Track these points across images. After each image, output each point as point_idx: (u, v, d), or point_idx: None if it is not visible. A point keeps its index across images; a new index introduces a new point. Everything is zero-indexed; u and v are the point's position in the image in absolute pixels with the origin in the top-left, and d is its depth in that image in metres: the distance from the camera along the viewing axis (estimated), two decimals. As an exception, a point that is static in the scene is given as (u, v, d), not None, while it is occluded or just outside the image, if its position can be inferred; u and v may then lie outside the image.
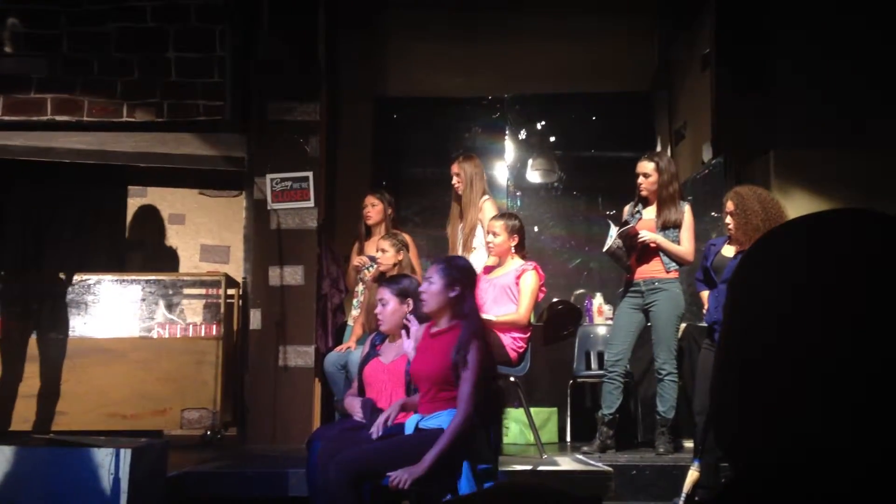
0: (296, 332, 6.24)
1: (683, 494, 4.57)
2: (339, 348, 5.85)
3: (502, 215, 5.50)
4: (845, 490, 0.74)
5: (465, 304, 3.76)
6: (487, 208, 5.77)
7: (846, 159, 6.17)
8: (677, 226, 5.39)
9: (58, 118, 6.33)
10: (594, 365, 6.42)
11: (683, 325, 5.73)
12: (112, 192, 7.28)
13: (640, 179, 5.47)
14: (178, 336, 6.41)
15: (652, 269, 5.40)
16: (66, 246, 6.76)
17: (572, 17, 8.15)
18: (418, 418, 3.73)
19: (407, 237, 5.84)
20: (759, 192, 4.65)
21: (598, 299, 7.04)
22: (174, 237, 7.79)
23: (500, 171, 9.26)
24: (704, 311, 5.03)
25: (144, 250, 7.54)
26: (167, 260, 7.52)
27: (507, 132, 9.33)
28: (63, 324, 6.35)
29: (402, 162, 9.17)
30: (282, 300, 6.26)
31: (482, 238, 5.55)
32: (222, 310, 6.48)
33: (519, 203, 9.16)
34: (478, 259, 5.59)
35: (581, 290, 7.93)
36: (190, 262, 7.77)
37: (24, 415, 6.06)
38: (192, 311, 7.23)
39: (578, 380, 6.50)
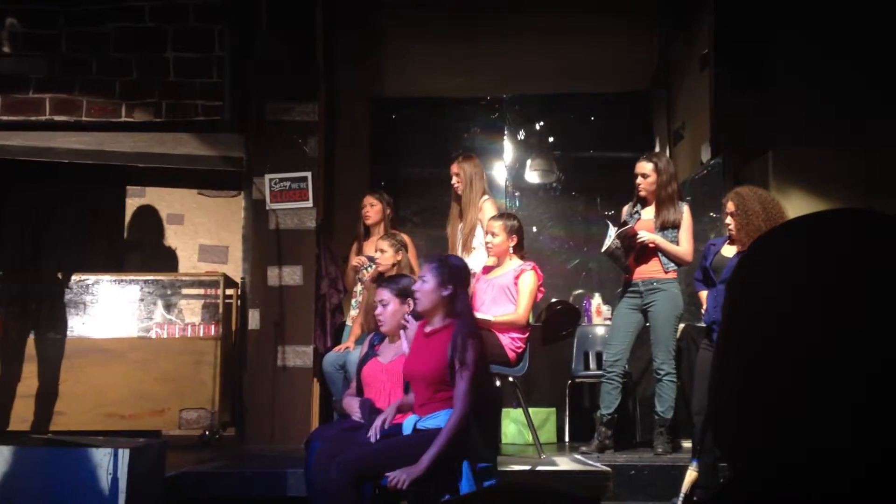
0: (294, 333, 6.24)
1: (682, 494, 4.57)
2: (337, 348, 5.85)
3: (501, 215, 5.50)
4: (844, 490, 0.74)
5: (458, 302, 3.77)
6: (487, 208, 5.76)
7: (845, 159, 6.17)
8: (676, 226, 5.39)
9: (56, 118, 6.32)
10: (593, 365, 6.43)
11: (682, 326, 5.73)
12: (110, 192, 7.27)
13: (639, 180, 5.47)
14: (177, 336, 6.40)
15: (650, 270, 5.40)
16: (65, 246, 6.76)
17: (572, 17, 8.15)
18: (416, 419, 3.73)
19: (406, 237, 5.84)
20: (760, 193, 4.66)
21: (596, 299, 7.04)
22: (173, 237, 7.78)
23: (499, 172, 9.26)
24: (703, 312, 5.03)
25: (143, 250, 7.54)
26: (166, 260, 7.52)
27: (505, 132, 9.33)
28: (61, 324, 6.34)
29: (400, 162, 9.16)
30: (280, 300, 6.26)
31: (482, 238, 5.55)
32: (221, 310, 6.48)
33: (517, 203, 9.16)
34: (478, 259, 5.59)
35: (580, 291, 7.93)
36: (188, 263, 7.77)
37: (22, 415, 6.06)
38: (191, 312, 7.23)
39: (577, 380, 6.50)
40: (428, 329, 3.83)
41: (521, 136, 9.37)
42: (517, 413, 6.07)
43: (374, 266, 5.77)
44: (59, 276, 6.48)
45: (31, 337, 6.23)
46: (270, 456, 5.46)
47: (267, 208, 6.31)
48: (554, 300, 7.21)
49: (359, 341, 5.51)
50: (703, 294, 5.01)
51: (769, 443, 0.78)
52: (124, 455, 3.87)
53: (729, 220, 4.59)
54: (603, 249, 5.43)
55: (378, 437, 3.76)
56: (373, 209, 6.16)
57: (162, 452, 4.37)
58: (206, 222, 7.90)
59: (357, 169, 8.17)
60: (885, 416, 0.73)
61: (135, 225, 7.53)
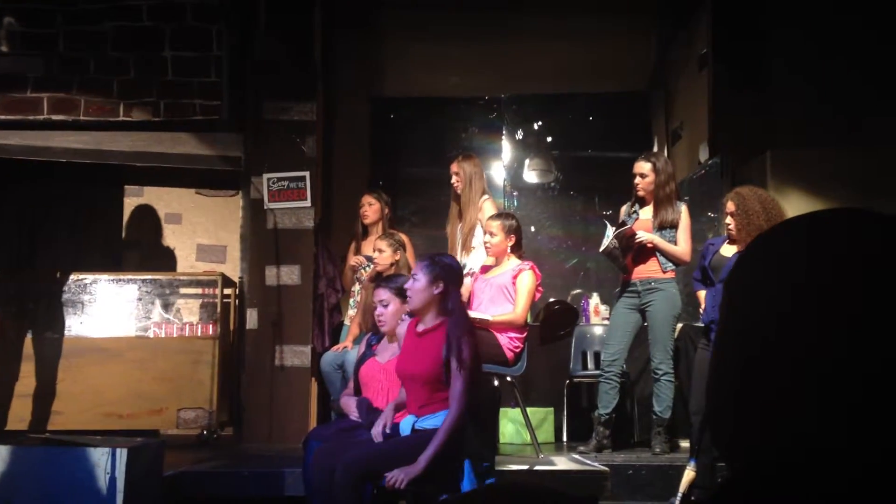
0: (292, 332, 6.24)
1: (680, 494, 4.57)
2: (335, 348, 5.85)
3: (499, 215, 5.49)
4: (842, 490, 0.74)
5: (450, 300, 3.77)
6: (487, 208, 5.76)
7: (843, 158, 6.17)
8: (674, 226, 5.39)
9: (54, 117, 6.32)
10: (591, 365, 6.43)
11: (680, 325, 5.73)
12: (108, 192, 7.26)
13: (637, 180, 5.47)
14: (175, 336, 6.40)
15: (648, 270, 5.41)
16: (61, 245, 6.75)
17: (571, 17, 8.14)
18: (414, 419, 3.73)
19: (404, 237, 5.84)
20: (760, 193, 4.66)
21: (594, 299, 7.04)
22: (170, 237, 7.78)
23: (497, 171, 9.25)
24: (701, 311, 5.03)
25: (141, 250, 7.53)
26: (164, 259, 7.51)
27: (504, 132, 9.33)
28: (59, 323, 6.34)
29: (398, 162, 9.16)
30: (278, 300, 6.26)
31: (482, 237, 5.54)
32: (219, 309, 6.47)
33: (516, 203, 9.16)
34: (477, 259, 5.59)
35: (578, 291, 7.93)
36: (186, 262, 7.76)
37: (19, 414, 6.06)
38: (189, 311, 7.22)
39: (575, 380, 6.50)
40: (420, 328, 3.83)
41: (520, 135, 9.37)
42: (515, 413, 6.07)
43: (372, 266, 5.77)
44: (58, 275, 6.47)
45: (29, 336, 6.23)
46: (268, 455, 5.46)
47: (265, 208, 6.31)
48: (552, 300, 7.21)
49: (357, 341, 5.50)
50: (702, 294, 5.01)
51: (767, 442, 0.77)
52: (122, 454, 3.87)
53: (729, 220, 4.59)
54: (601, 249, 5.43)
55: (381, 439, 3.78)
56: (371, 208, 6.16)
57: (160, 452, 4.37)
58: (204, 222, 7.89)
59: (355, 168, 8.17)
60: (884, 416, 0.73)
61: (133, 224, 7.52)
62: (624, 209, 5.70)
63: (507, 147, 9.33)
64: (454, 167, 5.88)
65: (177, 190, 7.72)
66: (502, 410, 5.98)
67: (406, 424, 3.73)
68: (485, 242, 5.37)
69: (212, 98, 6.36)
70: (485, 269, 5.44)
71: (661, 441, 5.40)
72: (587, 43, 8.40)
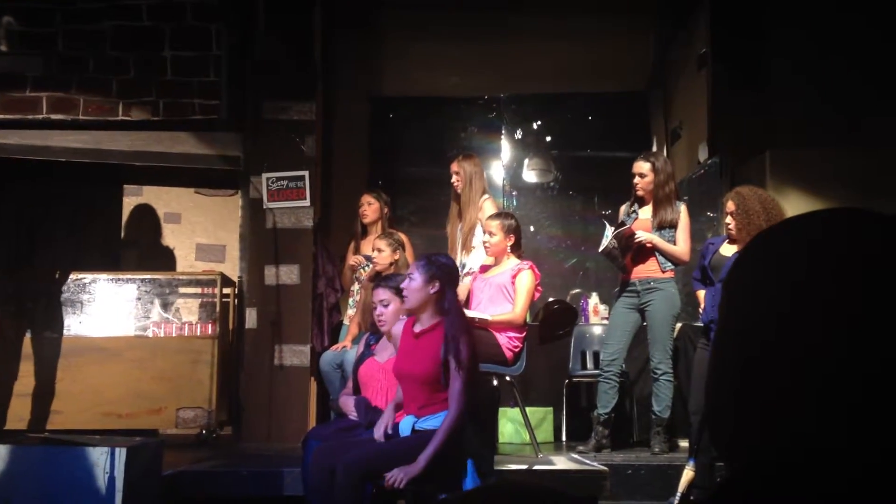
0: (291, 332, 6.24)
1: (679, 494, 4.57)
2: (334, 347, 5.85)
3: (498, 215, 5.49)
4: (842, 490, 0.73)
5: (446, 300, 3.77)
6: (487, 207, 5.75)
7: (843, 158, 6.17)
8: (673, 226, 5.39)
9: (53, 117, 6.32)
10: (590, 364, 6.43)
11: (679, 325, 5.73)
12: (107, 191, 7.26)
13: (637, 179, 5.47)
14: (174, 335, 6.40)
15: (648, 269, 5.41)
16: (60, 244, 6.75)
17: (571, 17, 8.15)
18: (413, 420, 3.73)
19: (403, 237, 5.84)
20: (760, 193, 4.66)
21: (593, 299, 7.04)
22: (170, 236, 7.78)
23: (497, 171, 9.24)
24: (700, 311, 5.03)
25: (140, 249, 7.53)
26: (163, 259, 7.51)
27: (503, 132, 9.32)
28: (58, 322, 6.34)
29: (397, 161, 9.15)
30: (277, 299, 6.26)
31: (482, 237, 5.54)
32: (218, 309, 6.47)
33: (515, 203, 9.15)
34: (477, 258, 5.59)
35: (577, 290, 7.92)
36: (186, 261, 7.76)
37: (19, 413, 6.05)
38: (188, 310, 7.22)
39: (574, 379, 6.50)
40: (417, 328, 3.83)
41: (519, 135, 9.36)
42: (514, 412, 6.07)
43: (371, 265, 5.77)
44: (57, 274, 6.47)
45: (28, 335, 6.22)
46: (267, 455, 5.46)
47: (264, 207, 6.31)
48: (551, 299, 7.21)
49: (356, 340, 5.50)
50: (701, 293, 5.01)
51: (766, 442, 0.77)
52: (121, 454, 3.87)
53: (729, 219, 4.59)
54: (600, 249, 5.43)
55: (383, 440, 3.78)
56: (370, 208, 6.16)
57: (159, 451, 4.37)
58: (203, 221, 7.89)
59: (354, 168, 8.17)
60: (884, 416, 0.73)
61: (132, 224, 7.52)
62: (623, 209, 5.70)
63: (506, 147, 9.33)
64: (454, 166, 5.87)
65: (176, 189, 7.72)
66: (501, 410, 5.98)
67: (406, 425, 3.73)
68: (484, 242, 5.36)
69: (211, 98, 6.36)
70: (484, 269, 5.44)
71: (660, 441, 5.40)
72: (587, 43, 8.40)
